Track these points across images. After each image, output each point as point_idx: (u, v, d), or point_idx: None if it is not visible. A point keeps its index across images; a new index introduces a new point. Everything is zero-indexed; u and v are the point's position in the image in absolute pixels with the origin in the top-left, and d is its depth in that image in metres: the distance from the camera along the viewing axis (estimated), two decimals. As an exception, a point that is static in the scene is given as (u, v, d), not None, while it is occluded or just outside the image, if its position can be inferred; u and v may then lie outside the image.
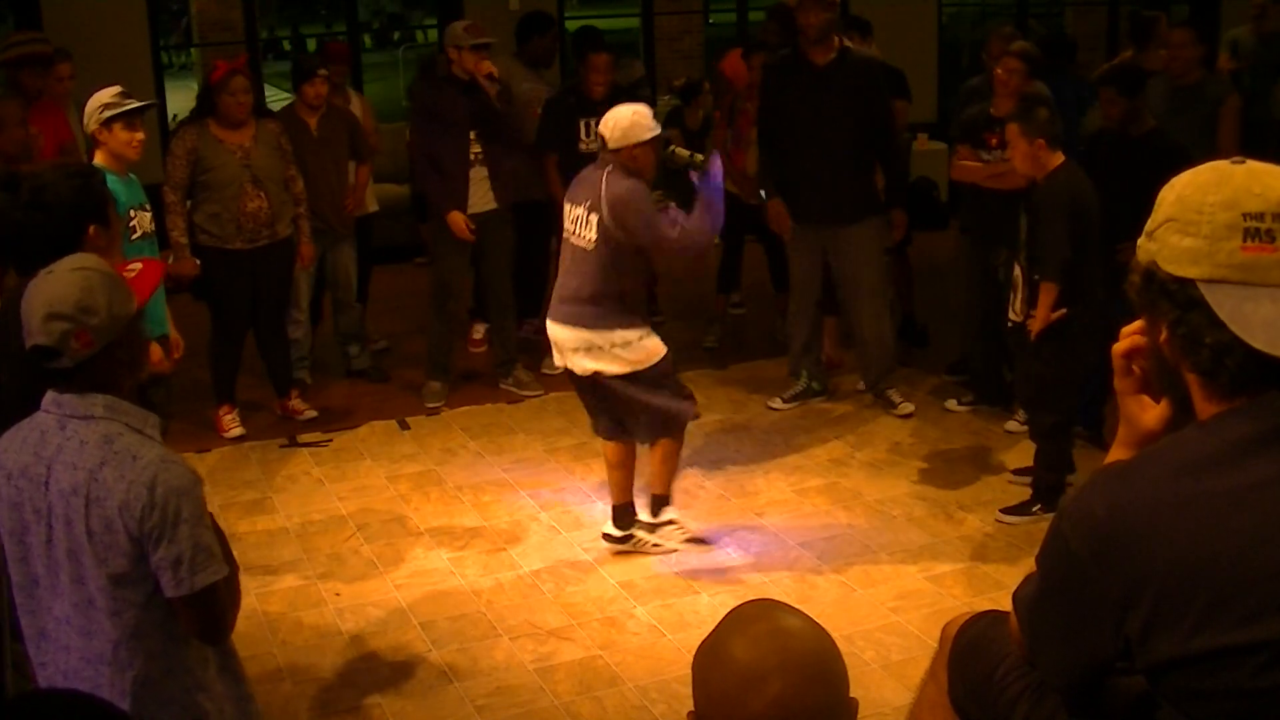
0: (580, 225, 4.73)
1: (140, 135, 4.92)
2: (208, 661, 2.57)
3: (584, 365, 4.75)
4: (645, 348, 4.77)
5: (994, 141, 5.83)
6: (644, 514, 5.03)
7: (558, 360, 4.97)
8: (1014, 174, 5.78)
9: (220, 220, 5.99)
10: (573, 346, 4.75)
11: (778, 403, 6.46)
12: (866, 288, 6.25)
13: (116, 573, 2.41)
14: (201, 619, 2.47)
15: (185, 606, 2.44)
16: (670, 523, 5.01)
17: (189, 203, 6.02)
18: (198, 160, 5.93)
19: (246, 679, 2.74)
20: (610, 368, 4.73)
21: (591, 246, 4.68)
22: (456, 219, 6.43)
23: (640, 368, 4.75)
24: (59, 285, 2.42)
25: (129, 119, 4.84)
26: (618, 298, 4.72)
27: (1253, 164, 1.64)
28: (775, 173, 6.28)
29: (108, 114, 4.80)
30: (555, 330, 4.81)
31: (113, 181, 4.64)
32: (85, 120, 4.91)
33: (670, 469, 4.97)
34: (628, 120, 4.88)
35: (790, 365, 6.57)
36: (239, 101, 5.95)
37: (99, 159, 4.80)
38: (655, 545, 4.97)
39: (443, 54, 6.79)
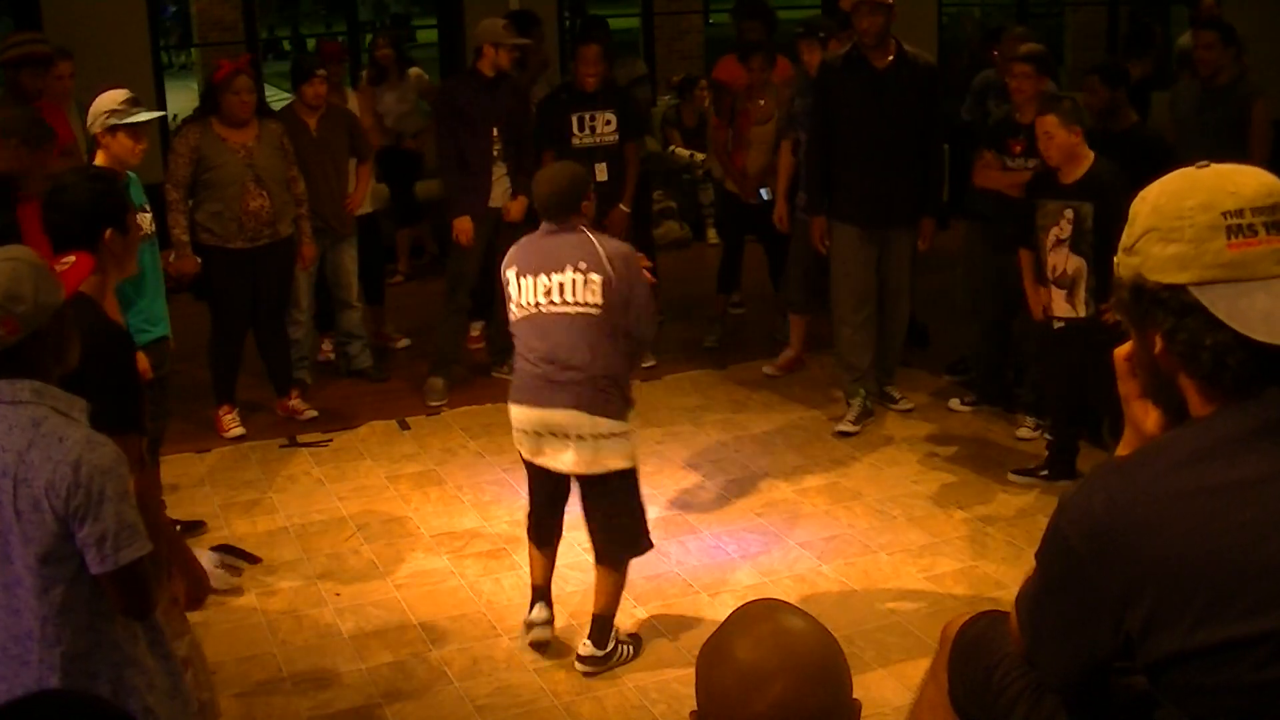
0: (571, 290, 4.06)
1: (143, 145, 4.79)
2: (136, 637, 2.63)
3: (577, 459, 4.10)
4: (631, 443, 4.18)
5: (1018, 148, 5.81)
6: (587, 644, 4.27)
7: (535, 454, 4.18)
8: None
9: (222, 219, 6.00)
10: (578, 433, 4.06)
11: (847, 426, 6.11)
12: (904, 291, 6.24)
13: (43, 551, 2.48)
14: (127, 594, 2.54)
15: (111, 582, 2.50)
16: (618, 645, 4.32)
17: (190, 201, 6.03)
18: (201, 159, 5.93)
19: (176, 655, 2.80)
20: (603, 463, 4.12)
21: (598, 313, 4.04)
22: (464, 225, 6.49)
23: (628, 465, 4.16)
24: None
25: (135, 130, 4.72)
26: (618, 378, 4.14)
27: (1217, 166, 1.66)
28: (823, 179, 6.11)
29: (113, 121, 4.70)
30: (557, 416, 4.06)
31: None
32: (89, 121, 4.82)
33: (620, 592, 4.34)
34: (565, 182, 4.19)
35: (847, 388, 6.22)
36: (242, 101, 5.96)
37: (99, 160, 4.77)
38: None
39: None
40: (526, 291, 4.14)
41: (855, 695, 1.53)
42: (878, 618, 4.50)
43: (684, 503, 5.45)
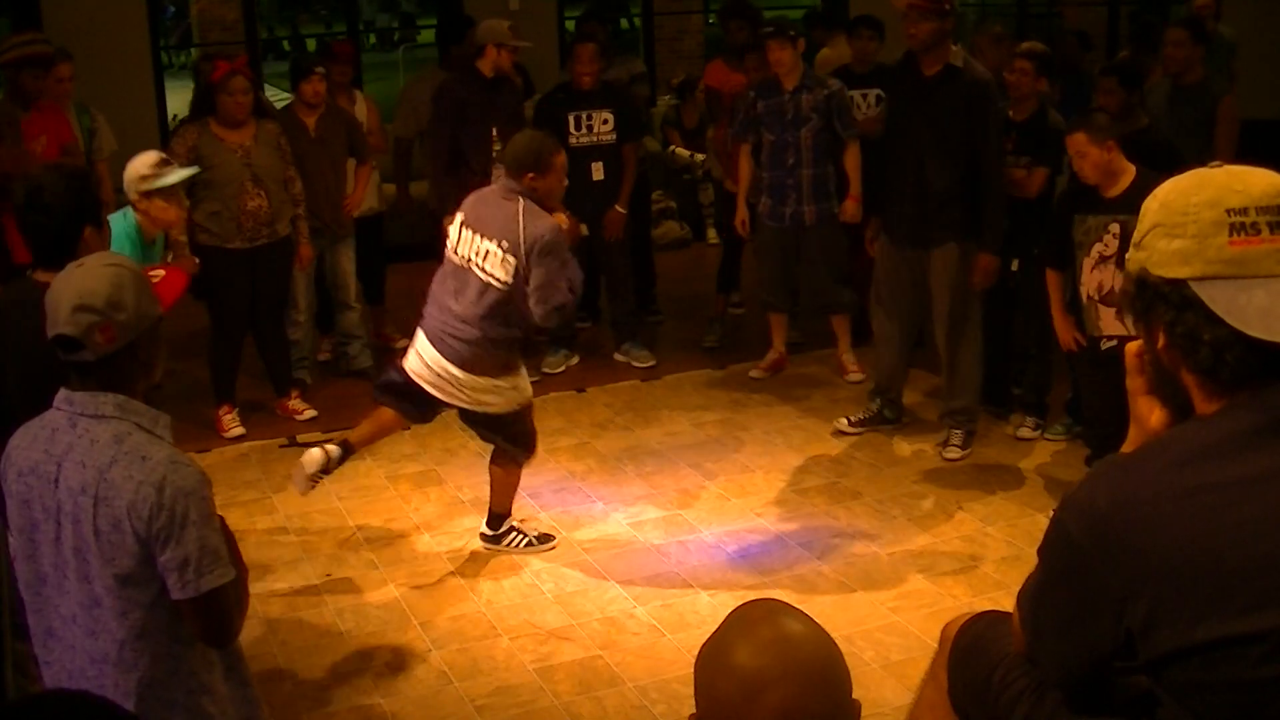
0: (487, 260, 4.58)
1: (180, 208, 4.69)
2: (213, 664, 2.57)
3: (460, 400, 4.80)
4: (510, 394, 4.81)
5: (1010, 146, 5.77)
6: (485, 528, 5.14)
7: (427, 381, 4.80)
8: (1026, 182, 5.75)
9: (220, 219, 6.00)
10: (458, 384, 4.72)
11: (844, 423, 6.10)
12: (944, 313, 5.77)
13: (123, 573, 2.41)
14: (207, 622, 2.47)
15: (191, 609, 2.43)
16: (511, 531, 5.11)
17: (189, 202, 6.02)
18: (198, 159, 5.94)
19: (253, 682, 2.73)
20: (484, 406, 4.81)
21: (503, 288, 4.57)
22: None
23: (504, 411, 4.83)
24: (91, 278, 2.43)
25: (168, 194, 4.63)
26: (499, 343, 4.68)
27: (1230, 166, 1.68)
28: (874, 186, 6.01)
29: (145, 187, 4.60)
30: (449, 366, 4.69)
31: (133, 248, 4.45)
32: (125, 186, 4.67)
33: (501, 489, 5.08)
34: (525, 142, 4.73)
35: (869, 394, 6.23)
36: (238, 102, 5.97)
37: (140, 223, 4.65)
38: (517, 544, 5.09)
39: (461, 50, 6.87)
40: (465, 244, 4.67)
41: (855, 695, 1.53)
42: (878, 618, 4.50)
43: (684, 503, 5.45)
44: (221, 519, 2.55)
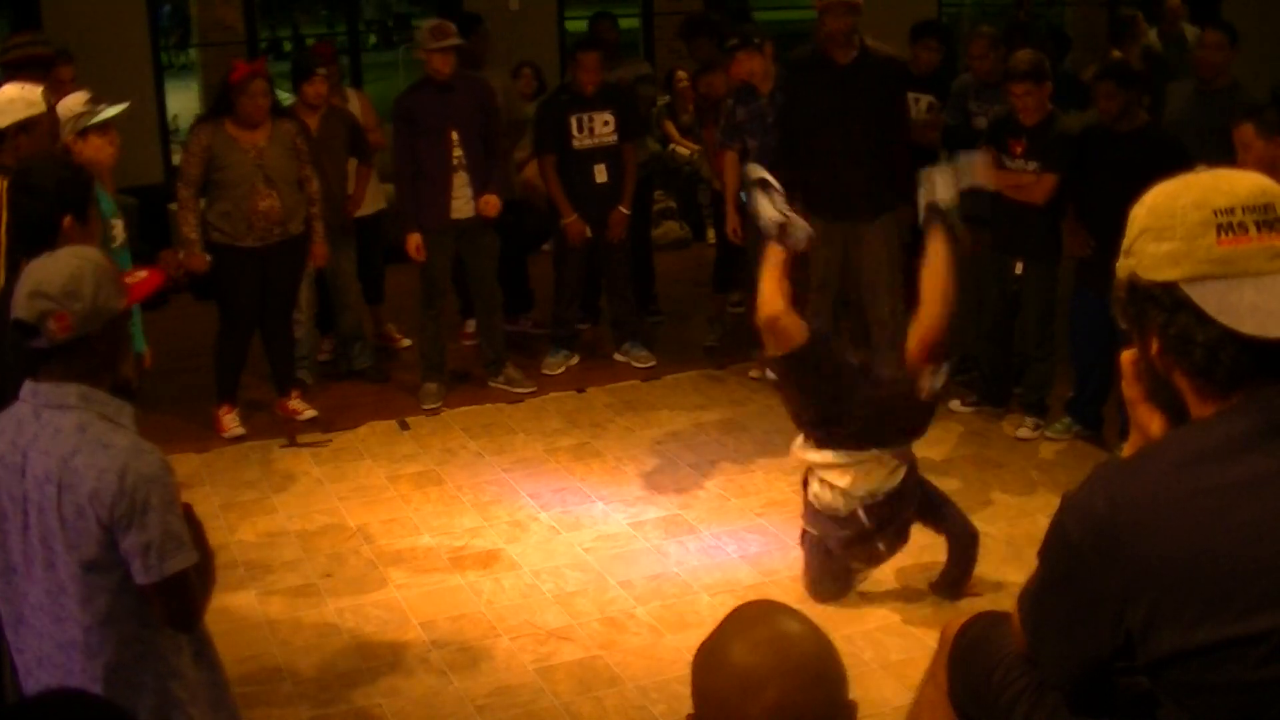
0: None
1: (114, 142, 4.70)
2: (181, 649, 2.60)
3: None
4: None
5: (1019, 149, 5.78)
6: None
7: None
8: (1034, 188, 5.75)
9: (231, 219, 6.02)
10: None
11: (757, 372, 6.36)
12: (881, 285, 6.20)
13: (87, 559, 2.45)
14: (171, 606, 2.51)
15: (155, 593, 2.47)
16: None
17: (203, 201, 6.04)
18: (211, 158, 5.95)
19: (221, 666, 2.77)
20: None
21: None
22: (412, 241, 6.43)
23: None
24: (51, 267, 2.48)
25: (103, 129, 4.66)
26: None
27: (1216, 169, 1.69)
28: (794, 172, 6.10)
29: (81, 125, 4.61)
30: None
31: None
32: (60, 131, 4.62)
33: None
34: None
35: None
36: (257, 104, 5.99)
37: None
38: None
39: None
40: None
41: (853, 696, 1.53)
42: (878, 618, 4.50)
43: (684, 503, 5.45)
44: (188, 506, 2.59)
